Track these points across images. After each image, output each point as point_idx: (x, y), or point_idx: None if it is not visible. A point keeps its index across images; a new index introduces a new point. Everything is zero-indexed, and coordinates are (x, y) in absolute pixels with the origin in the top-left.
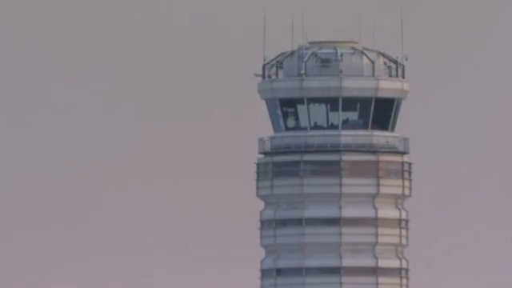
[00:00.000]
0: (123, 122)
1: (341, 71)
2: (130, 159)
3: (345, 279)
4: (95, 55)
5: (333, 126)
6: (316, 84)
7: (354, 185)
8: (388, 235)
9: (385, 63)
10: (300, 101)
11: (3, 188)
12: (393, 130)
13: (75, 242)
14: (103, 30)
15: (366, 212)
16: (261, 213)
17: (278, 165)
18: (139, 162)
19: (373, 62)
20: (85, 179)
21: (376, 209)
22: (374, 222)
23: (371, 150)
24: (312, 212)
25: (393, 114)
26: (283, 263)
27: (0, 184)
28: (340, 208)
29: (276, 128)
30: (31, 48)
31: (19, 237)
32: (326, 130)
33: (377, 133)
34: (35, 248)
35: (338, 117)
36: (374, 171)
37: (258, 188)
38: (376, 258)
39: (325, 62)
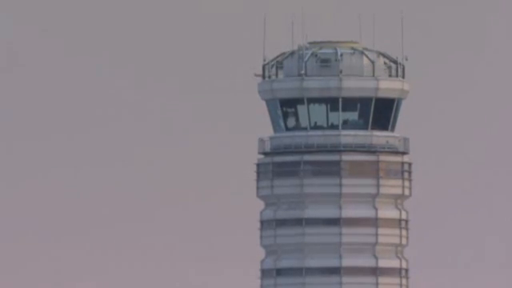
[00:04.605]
0: (123, 121)
1: (341, 71)
2: (129, 158)
3: (345, 279)
4: (94, 56)
5: (333, 126)
6: (316, 84)
7: (354, 185)
8: (388, 235)
9: (385, 63)
10: (300, 101)
11: (26, 192)
12: (393, 130)
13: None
14: (100, 31)
15: (366, 212)
16: (261, 213)
17: (278, 165)
18: (139, 163)
19: (373, 62)
20: (91, 182)
21: (376, 209)
22: (374, 222)
23: (371, 150)
24: (312, 212)
25: (393, 113)
26: (283, 263)
27: (22, 189)
28: (340, 208)
29: (276, 128)
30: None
31: (40, 239)
32: (326, 130)
33: (377, 133)
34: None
35: (338, 117)
36: (374, 171)
37: (258, 188)
38: (376, 258)
39: (325, 62)
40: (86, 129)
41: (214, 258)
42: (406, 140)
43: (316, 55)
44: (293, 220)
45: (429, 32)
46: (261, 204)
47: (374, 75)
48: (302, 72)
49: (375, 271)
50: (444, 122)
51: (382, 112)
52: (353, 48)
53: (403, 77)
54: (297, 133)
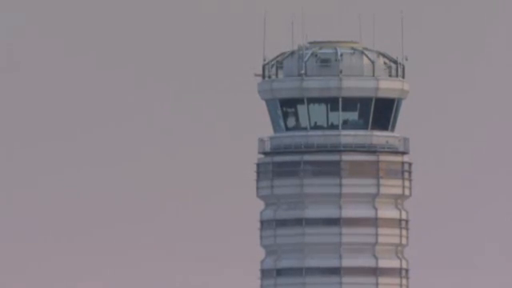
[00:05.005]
0: (122, 122)
1: (341, 71)
2: (129, 158)
3: (345, 279)
4: (93, 57)
5: (333, 126)
6: (316, 84)
7: (354, 185)
8: (388, 235)
9: (385, 63)
10: (300, 101)
11: (29, 197)
12: (393, 130)
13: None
14: (100, 31)
15: (366, 212)
16: (261, 213)
17: (278, 165)
18: (139, 163)
19: (373, 62)
20: (91, 183)
21: (376, 209)
22: (374, 222)
23: (371, 150)
24: (312, 212)
25: (393, 114)
26: (283, 263)
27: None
28: (340, 208)
29: (276, 128)
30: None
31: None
32: (326, 130)
33: (377, 133)
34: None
35: (338, 117)
36: (374, 171)
37: (258, 188)
38: (376, 258)
39: (325, 62)
40: (85, 129)
41: (214, 258)
42: (405, 140)
43: (316, 55)
44: (293, 220)
45: (429, 32)
46: (261, 204)
47: (374, 75)
48: (302, 72)
49: (375, 271)
50: (444, 122)
51: (381, 112)
52: (353, 48)
53: (403, 77)
54: (297, 133)
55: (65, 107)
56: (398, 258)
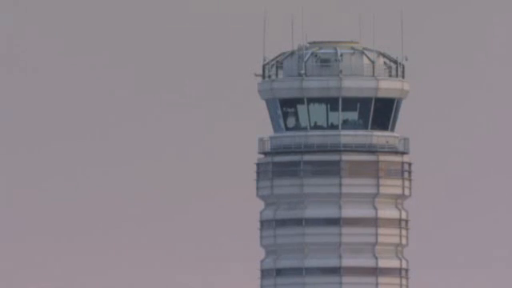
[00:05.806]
0: (123, 122)
1: (341, 71)
2: (130, 159)
3: (345, 279)
4: (93, 57)
5: (333, 126)
6: (316, 84)
7: (353, 185)
8: (388, 235)
9: (385, 63)
10: (300, 101)
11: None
12: (393, 130)
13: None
14: (99, 31)
15: (366, 212)
16: (261, 213)
17: (278, 165)
18: (139, 163)
19: (373, 62)
20: (91, 183)
21: (376, 209)
22: (374, 222)
23: (371, 150)
24: (312, 212)
25: (393, 114)
26: (283, 263)
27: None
28: (340, 208)
29: (276, 128)
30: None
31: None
32: (325, 130)
33: (377, 133)
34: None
35: (338, 117)
36: (373, 171)
37: (258, 188)
38: (376, 258)
39: (325, 62)
40: (86, 129)
41: (213, 258)
42: (405, 140)
43: (316, 55)
44: (293, 220)
45: (429, 32)
46: (261, 204)
47: (373, 75)
48: (302, 72)
49: (375, 271)
50: (444, 122)
51: (381, 112)
52: (353, 48)
53: (403, 77)
54: (297, 133)
55: (64, 108)
56: (398, 257)
